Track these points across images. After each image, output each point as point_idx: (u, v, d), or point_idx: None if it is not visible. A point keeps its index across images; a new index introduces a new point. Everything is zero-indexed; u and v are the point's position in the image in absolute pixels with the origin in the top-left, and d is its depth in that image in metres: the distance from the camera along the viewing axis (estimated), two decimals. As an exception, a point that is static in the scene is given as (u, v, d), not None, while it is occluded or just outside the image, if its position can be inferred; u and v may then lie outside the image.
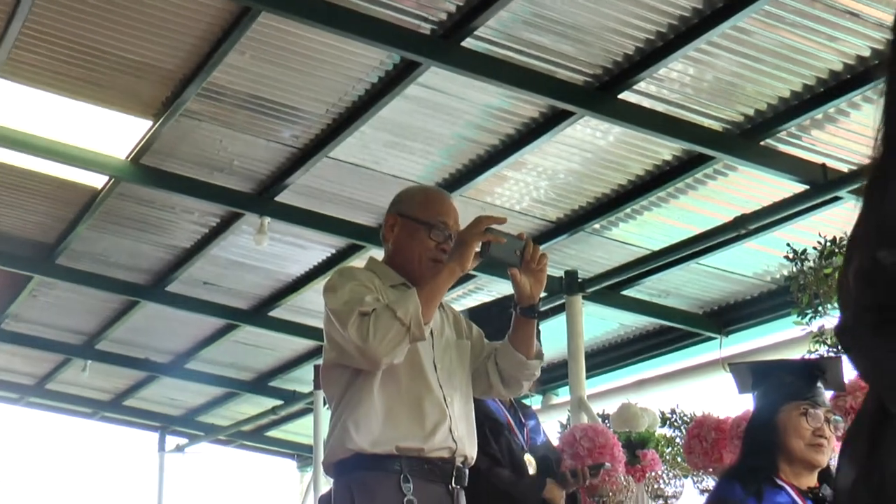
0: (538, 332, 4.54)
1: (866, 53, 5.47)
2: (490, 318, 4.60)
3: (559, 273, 8.18)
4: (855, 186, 6.34)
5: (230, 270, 8.99)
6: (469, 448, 3.35)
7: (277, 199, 7.48)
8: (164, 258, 9.01)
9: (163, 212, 8.17)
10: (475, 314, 4.64)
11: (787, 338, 7.39)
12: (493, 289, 8.75)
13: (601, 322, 9.07)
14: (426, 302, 3.14)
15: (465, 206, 7.36)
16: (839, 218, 6.70)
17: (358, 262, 8.03)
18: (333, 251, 8.36)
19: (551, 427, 7.32)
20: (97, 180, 7.79)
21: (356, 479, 3.18)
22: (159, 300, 9.60)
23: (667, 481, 6.37)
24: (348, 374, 3.26)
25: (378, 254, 3.60)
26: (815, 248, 4.97)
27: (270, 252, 8.26)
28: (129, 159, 7.28)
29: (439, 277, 3.21)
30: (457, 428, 3.30)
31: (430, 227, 3.37)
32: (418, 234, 3.39)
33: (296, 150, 6.99)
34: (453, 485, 3.26)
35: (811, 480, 3.42)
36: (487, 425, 4.28)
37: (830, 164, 6.34)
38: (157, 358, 11.51)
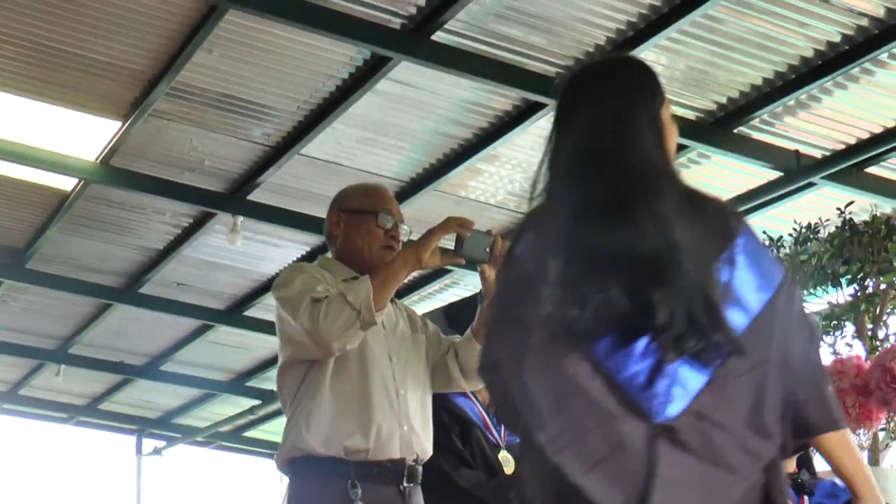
0: None
1: (837, 39, 5.50)
2: (465, 314, 4.60)
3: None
4: (829, 172, 6.40)
5: (204, 271, 8.97)
6: (421, 444, 3.36)
7: (250, 197, 7.46)
8: (137, 260, 8.97)
9: (134, 213, 8.14)
10: (451, 311, 4.64)
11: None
12: (469, 283, 8.76)
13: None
14: (378, 287, 3.15)
15: (439, 201, 7.38)
16: (814, 204, 6.75)
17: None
18: (308, 249, 8.35)
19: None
20: (66, 183, 7.74)
21: (307, 486, 3.20)
22: (132, 302, 9.55)
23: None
24: (302, 371, 3.27)
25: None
26: (790, 235, 5.00)
27: (244, 251, 8.24)
28: (98, 161, 7.24)
29: (394, 264, 3.23)
30: (408, 423, 3.31)
31: (376, 214, 3.41)
32: (365, 224, 3.42)
33: (267, 148, 6.97)
34: (405, 484, 3.26)
35: (789, 466, 3.42)
36: (455, 423, 4.26)
37: (804, 150, 6.38)
38: (131, 361, 11.46)
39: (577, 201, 1.96)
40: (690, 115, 6.18)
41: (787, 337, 1.87)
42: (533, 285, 1.91)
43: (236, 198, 7.48)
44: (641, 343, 1.84)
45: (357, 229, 3.42)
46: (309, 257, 8.35)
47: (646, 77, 2.11)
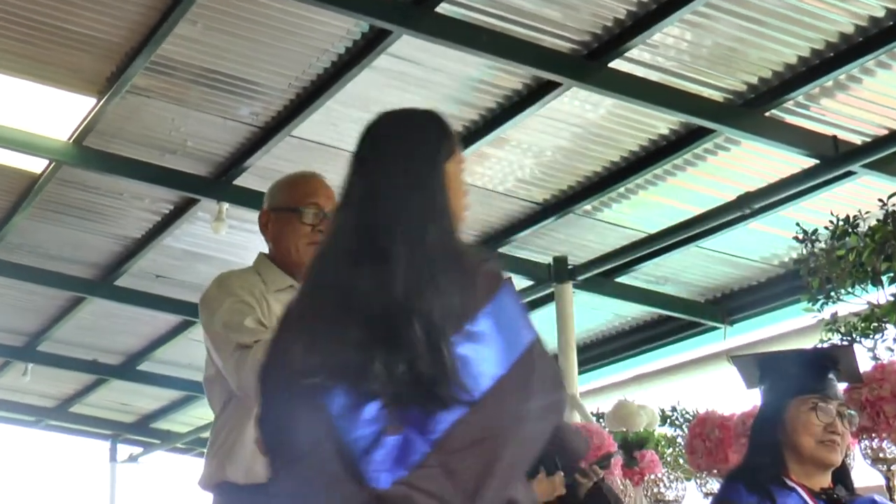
0: None
1: (880, 14, 5.48)
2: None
3: (547, 260, 8.20)
4: (869, 159, 6.38)
5: (185, 262, 8.97)
6: None
7: (236, 182, 7.46)
8: (112, 249, 8.98)
9: (110, 198, 8.14)
10: None
11: (796, 327, 7.43)
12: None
13: (594, 312, 9.09)
14: None
15: (443, 188, 7.36)
16: (852, 194, 6.74)
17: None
18: (299, 239, 8.35)
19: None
20: (36, 165, 7.75)
21: None
22: (107, 296, 9.56)
23: (667, 485, 6.39)
24: (228, 391, 3.27)
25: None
26: (826, 228, 4.98)
27: (229, 241, 8.24)
28: (71, 141, 7.24)
29: None
30: None
31: (300, 212, 3.41)
32: (290, 223, 3.42)
33: (256, 128, 6.97)
34: None
35: (824, 481, 3.42)
36: None
37: (841, 135, 6.36)
38: (106, 359, 11.48)
39: (341, 248, 2.18)
40: (718, 96, 6.17)
41: (526, 409, 2.05)
42: (292, 326, 2.15)
43: (221, 183, 7.48)
44: (372, 406, 2.03)
45: (283, 228, 3.44)
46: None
47: (432, 132, 2.39)
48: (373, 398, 2.02)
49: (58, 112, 6.99)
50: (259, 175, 7.42)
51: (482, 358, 2.07)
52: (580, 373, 8.27)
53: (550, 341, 8.32)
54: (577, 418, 7.54)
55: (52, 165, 7.66)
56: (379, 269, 2.10)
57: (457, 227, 2.29)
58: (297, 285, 3.22)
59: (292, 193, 3.46)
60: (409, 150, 2.34)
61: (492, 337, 2.09)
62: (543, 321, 8.05)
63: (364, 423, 2.01)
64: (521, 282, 7.83)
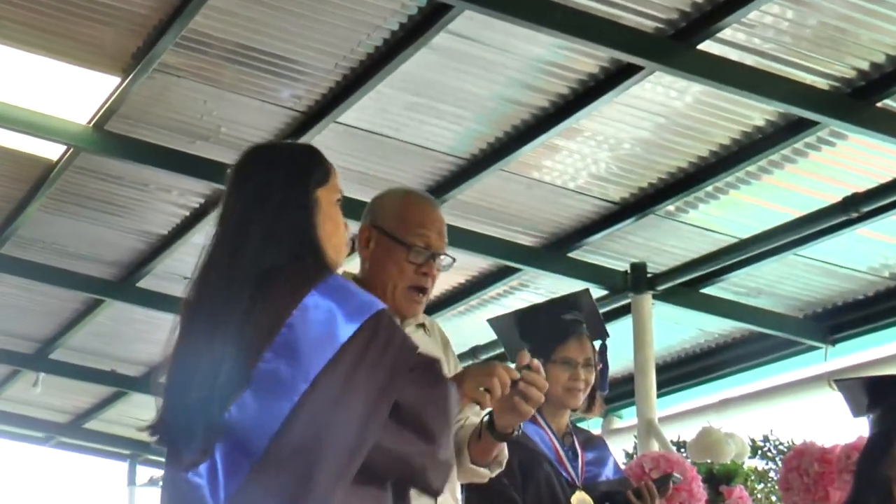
0: (605, 347, 4.54)
1: None
2: (538, 325, 4.60)
3: (623, 267, 8.17)
4: None
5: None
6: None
7: (274, 174, 7.49)
8: (135, 247, 9.05)
9: (133, 190, 8.21)
10: (525, 318, 4.65)
11: (908, 348, 7.36)
12: (542, 286, 8.75)
13: (675, 327, 9.05)
14: None
15: (506, 184, 7.37)
16: (975, 198, 6.66)
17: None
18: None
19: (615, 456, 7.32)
20: (51, 151, 7.82)
21: None
22: (129, 299, 9.64)
23: (758, 525, 6.35)
24: None
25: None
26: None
27: (265, 240, 8.28)
28: (90, 125, 7.30)
29: None
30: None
31: (408, 247, 3.47)
32: (394, 255, 3.49)
33: (297, 113, 7.00)
34: None
35: None
36: (518, 457, 4.26)
37: (965, 130, 6.28)
38: (125, 370, 11.57)
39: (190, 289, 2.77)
40: (823, 83, 6.12)
41: (329, 440, 2.40)
42: None
43: (258, 174, 7.51)
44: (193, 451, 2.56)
45: (386, 258, 3.50)
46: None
47: (292, 160, 2.82)
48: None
49: (76, 92, 7.05)
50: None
51: (267, 402, 2.46)
52: (659, 395, 8.23)
53: (626, 358, 8.30)
54: (654, 447, 7.51)
55: (69, 152, 7.74)
56: (189, 316, 2.71)
57: (313, 248, 2.69)
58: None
59: (405, 223, 3.52)
60: (261, 178, 2.76)
61: (296, 349, 2.49)
62: (618, 336, 8.01)
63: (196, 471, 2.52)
64: (593, 291, 7.80)
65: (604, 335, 4.63)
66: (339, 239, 2.83)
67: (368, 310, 2.57)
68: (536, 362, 3.14)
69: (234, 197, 2.79)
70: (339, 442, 2.42)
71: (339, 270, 3.13)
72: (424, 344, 3.56)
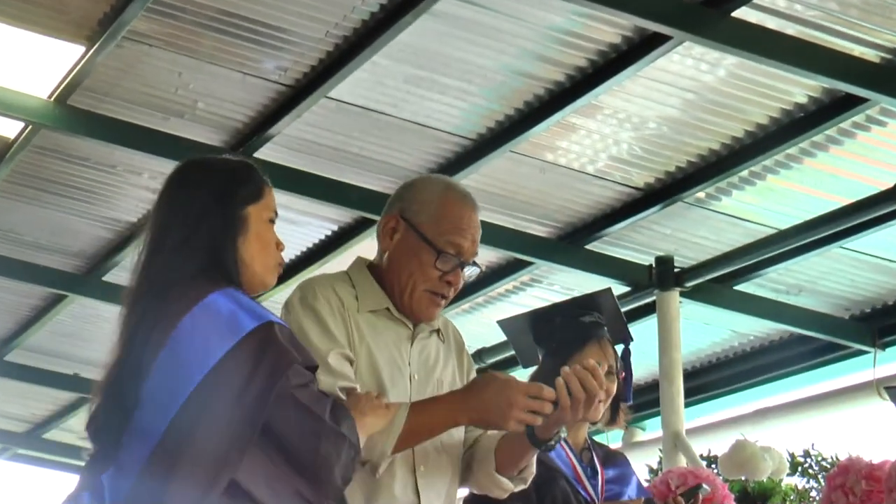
0: (628, 353, 4.55)
1: None
2: (554, 328, 4.60)
3: (648, 260, 8.17)
4: None
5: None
6: None
7: (258, 154, 7.50)
8: (101, 236, 9.06)
9: (99, 172, 8.21)
10: (539, 319, 4.65)
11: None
12: (556, 281, 8.75)
13: (705, 329, 9.06)
14: (404, 440, 3.32)
15: (517, 167, 7.38)
16: None
17: (365, 245, 8.03)
18: (335, 228, 8.37)
19: (637, 472, 7.34)
20: (7, 128, 7.82)
21: None
22: (94, 294, 9.64)
23: (797, 550, 6.36)
24: None
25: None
26: None
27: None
28: (52, 99, 7.30)
29: (436, 414, 3.36)
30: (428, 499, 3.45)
31: (438, 252, 3.50)
32: (421, 255, 3.52)
33: (283, 87, 7.00)
34: None
35: None
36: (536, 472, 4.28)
37: None
38: (90, 374, 11.56)
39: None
40: (873, 55, 6.11)
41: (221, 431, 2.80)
42: None
43: (241, 155, 7.51)
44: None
45: (411, 256, 3.53)
46: (337, 240, 8.38)
47: (221, 175, 3.16)
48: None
49: (36, 63, 7.05)
50: (287, 146, 7.45)
51: (159, 393, 2.87)
52: (687, 405, 8.23)
53: (649, 363, 8.30)
54: (682, 462, 7.51)
55: (27, 130, 7.73)
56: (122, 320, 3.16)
57: (222, 265, 3.01)
58: (395, 312, 3.48)
59: (439, 220, 3.55)
60: (192, 191, 3.11)
61: (176, 362, 2.88)
62: (641, 338, 8.02)
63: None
64: (613, 287, 7.80)
65: (627, 339, 4.63)
66: (267, 258, 3.12)
67: (250, 324, 2.89)
68: (592, 362, 3.33)
69: (160, 206, 3.15)
70: (205, 452, 2.80)
71: (269, 287, 3.24)
72: (436, 353, 3.61)
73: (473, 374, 3.70)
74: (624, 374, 4.59)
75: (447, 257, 3.49)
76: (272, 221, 3.15)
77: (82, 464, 3.13)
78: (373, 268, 3.58)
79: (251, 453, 2.81)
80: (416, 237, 3.51)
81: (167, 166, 7.76)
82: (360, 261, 3.63)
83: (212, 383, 2.83)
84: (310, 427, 2.85)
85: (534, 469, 3.65)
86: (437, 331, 3.62)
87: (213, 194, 3.09)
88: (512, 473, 3.57)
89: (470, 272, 3.59)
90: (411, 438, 3.32)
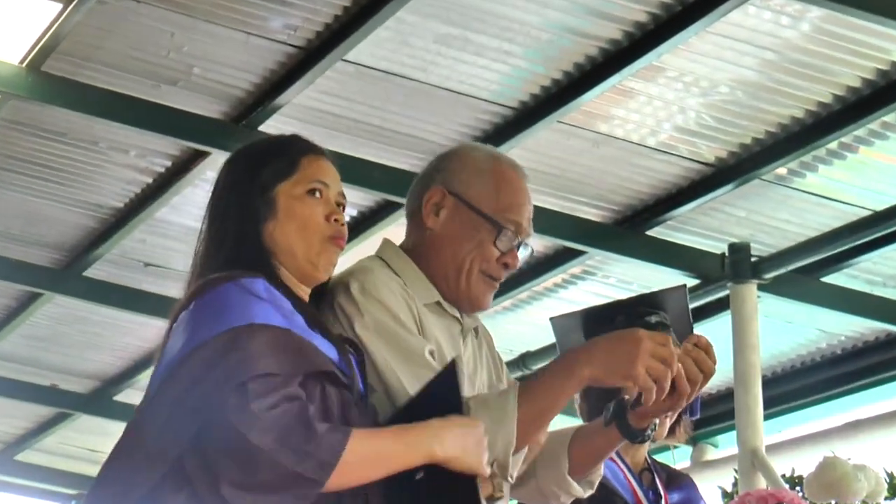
0: None
1: None
2: (614, 329, 4.60)
3: (720, 248, 8.16)
4: None
5: (188, 244, 9.03)
6: None
7: (264, 127, 7.51)
8: (82, 225, 9.09)
9: (79, 150, 8.23)
10: (591, 319, 4.66)
11: None
12: (611, 273, 8.75)
13: (788, 328, 9.06)
14: (526, 422, 3.27)
15: (565, 140, 7.39)
16: None
17: (390, 231, 8.04)
18: (355, 213, 8.38)
19: (709, 496, 7.35)
20: (-26, 100, 7.85)
21: None
22: (74, 292, 9.68)
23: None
24: None
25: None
26: None
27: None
28: (24, 65, 7.32)
29: (554, 383, 3.32)
30: None
31: (500, 228, 3.50)
32: (478, 233, 3.52)
33: (293, 49, 7.01)
34: None
35: None
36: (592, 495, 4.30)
37: None
38: (69, 385, 11.61)
39: None
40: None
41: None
42: None
43: (243, 129, 7.53)
44: None
45: (465, 234, 3.52)
46: (355, 226, 8.39)
47: (252, 156, 3.31)
48: None
49: (5, 25, 7.06)
50: (297, 117, 7.46)
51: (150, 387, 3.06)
52: (767, 416, 8.21)
53: (723, 368, 8.29)
54: (761, 483, 7.51)
55: (-4, 100, 7.77)
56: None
57: (248, 257, 3.14)
58: (446, 305, 3.49)
59: (500, 195, 3.57)
60: (223, 180, 3.28)
61: (162, 357, 3.09)
62: (712, 339, 8.02)
63: None
64: (681, 280, 7.80)
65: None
66: (308, 237, 3.19)
67: (223, 326, 2.98)
68: (705, 339, 3.40)
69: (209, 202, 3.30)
70: (139, 445, 2.98)
71: (328, 269, 3.24)
72: (474, 354, 3.62)
73: (506, 379, 3.72)
74: None
75: (507, 234, 3.50)
76: (313, 193, 3.24)
77: (60, 490, 3.22)
78: (406, 251, 3.57)
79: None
80: (471, 213, 3.52)
81: (157, 142, 7.89)
82: (391, 245, 3.61)
83: (167, 378, 2.98)
84: (244, 451, 2.86)
85: (602, 472, 3.69)
86: (474, 329, 3.63)
87: (233, 181, 3.25)
88: (584, 476, 3.60)
89: (524, 254, 3.59)
90: (533, 417, 3.29)
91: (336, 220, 3.21)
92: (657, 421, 3.55)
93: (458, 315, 3.53)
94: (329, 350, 3.07)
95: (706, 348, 3.38)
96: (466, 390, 3.43)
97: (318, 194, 3.22)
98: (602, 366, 3.27)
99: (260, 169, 3.23)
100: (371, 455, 2.95)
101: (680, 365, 3.31)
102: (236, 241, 3.16)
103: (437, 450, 3.04)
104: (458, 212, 3.53)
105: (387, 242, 3.62)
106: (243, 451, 2.83)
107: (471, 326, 3.60)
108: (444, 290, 3.51)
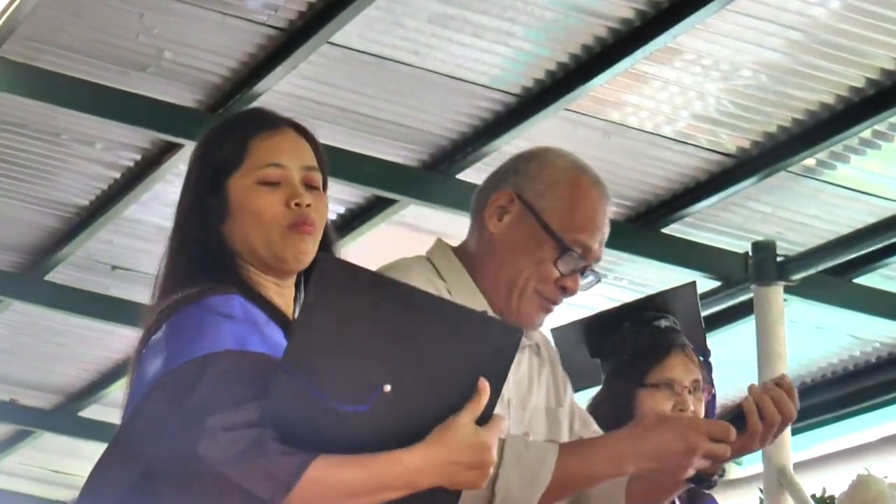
0: (709, 367, 4.56)
1: None
2: (622, 336, 4.59)
3: (742, 247, 8.16)
4: None
5: (159, 245, 9.02)
6: None
7: (242, 118, 7.50)
8: (44, 224, 9.08)
9: (40, 142, 8.23)
10: (594, 327, 4.65)
11: None
12: (624, 274, 8.75)
13: (818, 334, 9.06)
14: (552, 493, 3.28)
15: (573, 129, 7.40)
16: None
17: (381, 230, 8.04)
18: (342, 210, 8.37)
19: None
20: (-76, 88, 7.85)
21: None
22: (34, 298, 9.69)
23: None
24: None
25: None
26: None
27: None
28: (-21, 50, 7.33)
29: (597, 465, 3.32)
30: None
31: (564, 249, 3.46)
32: (540, 250, 3.48)
33: (273, 31, 7.00)
34: None
35: None
36: None
37: None
38: (30, 401, 11.61)
39: None
40: None
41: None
42: None
43: (220, 118, 7.52)
44: None
45: (525, 247, 3.49)
46: (344, 224, 8.38)
47: (199, 148, 3.21)
48: None
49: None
50: (278, 105, 7.32)
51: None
52: (795, 431, 8.22)
53: (746, 378, 8.29)
54: (789, 503, 7.51)
55: (-52, 89, 7.77)
56: None
57: (228, 258, 3.10)
58: (491, 314, 3.38)
59: (571, 210, 3.53)
60: (185, 176, 3.19)
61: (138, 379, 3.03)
62: (735, 346, 8.02)
63: None
64: (700, 283, 7.81)
65: (705, 349, 4.64)
66: (265, 230, 3.07)
67: (173, 363, 2.92)
68: (788, 380, 3.32)
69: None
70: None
71: (300, 259, 3.12)
72: (530, 372, 3.59)
73: (570, 399, 3.70)
74: (708, 391, 4.60)
75: (572, 257, 3.47)
76: (265, 183, 3.09)
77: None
78: (457, 254, 3.57)
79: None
80: (537, 225, 3.48)
81: (125, 133, 7.88)
82: (443, 246, 3.60)
83: (139, 406, 2.95)
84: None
85: None
86: (534, 345, 3.60)
87: (188, 177, 3.18)
88: None
89: (587, 281, 3.56)
90: (560, 492, 3.31)
91: (297, 205, 3.06)
92: (725, 466, 3.53)
93: None
94: None
95: (788, 389, 3.30)
96: (515, 412, 3.47)
97: (267, 184, 3.08)
98: (652, 464, 3.27)
99: (209, 161, 3.16)
100: (334, 484, 2.84)
101: (769, 409, 3.29)
102: (196, 247, 3.12)
103: (421, 484, 2.92)
104: (523, 221, 3.50)
105: (440, 243, 3.61)
106: (205, 475, 2.80)
107: (527, 344, 3.55)
108: (493, 301, 3.49)
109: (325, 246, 3.11)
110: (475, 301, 3.45)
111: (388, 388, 2.72)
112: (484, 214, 3.55)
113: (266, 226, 3.06)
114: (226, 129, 3.23)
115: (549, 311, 3.53)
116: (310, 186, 3.10)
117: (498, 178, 3.59)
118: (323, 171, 3.15)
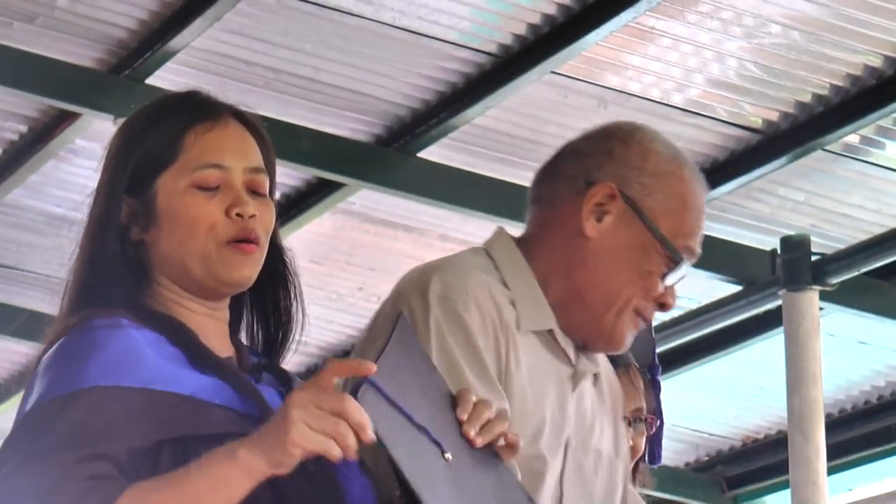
0: (658, 385, 4.56)
1: None
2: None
3: (770, 243, 8.18)
4: None
5: (50, 236, 9.03)
6: None
7: (153, 80, 7.51)
8: None
9: None
10: None
11: None
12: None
13: (860, 351, 9.11)
14: None
15: (564, 97, 7.41)
16: None
17: (325, 219, 8.04)
18: (277, 195, 8.35)
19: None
20: None
21: None
22: None
23: None
24: None
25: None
26: None
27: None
28: None
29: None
30: None
31: (678, 259, 3.45)
32: (647, 260, 3.47)
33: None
34: None
35: None
36: None
37: None
38: None
39: None
40: None
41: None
42: None
43: (124, 82, 7.53)
44: None
45: (629, 257, 3.47)
46: (280, 212, 8.35)
47: (115, 141, 3.13)
48: None
49: None
50: (196, 66, 7.46)
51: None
52: (831, 470, 8.23)
53: (773, 403, 8.31)
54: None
55: None
56: None
57: (135, 274, 3.05)
58: (559, 337, 3.41)
59: (683, 211, 3.50)
60: (102, 163, 3.14)
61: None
62: (758, 364, 8.06)
63: None
64: (718, 286, 7.81)
65: (654, 364, 4.61)
66: (200, 244, 3.00)
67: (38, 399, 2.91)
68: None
69: None
70: None
71: (241, 282, 3.13)
72: (592, 407, 3.56)
73: (625, 450, 3.71)
74: (658, 420, 4.59)
75: (681, 268, 3.47)
76: (202, 188, 3.00)
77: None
78: (524, 253, 3.51)
79: None
80: (645, 231, 3.46)
81: (9, 100, 7.89)
82: (507, 239, 3.55)
83: (8, 439, 2.92)
84: None
85: None
86: (596, 374, 3.58)
87: (105, 166, 3.11)
88: None
89: (678, 276, 3.53)
90: None
91: (239, 215, 2.99)
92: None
93: (571, 353, 3.44)
94: (217, 393, 2.91)
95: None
96: (573, 455, 3.46)
97: (211, 184, 3.01)
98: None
99: (132, 154, 3.06)
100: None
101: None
102: (101, 255, 3.07)
103: (259, 466, 2.79)
104: (627, 224, 3.47)
105: (502, 235, 3.56)
106: None
107: (588, 371, 3.51)
108: (571, 317, 3.46)
109: (273, 248, 3.09)
110: (543, 316, 3.43)
111: (448, 455, 2.72)
112: (573, 211, 3.48)
113: (201, 239, 2.99)
114: (154, 114, 3.11)
115: (637, 328, 3.52)
116: (254, 192, 3.04)
117: (588, 163, 3.51)
118: (271, 173, 3.11)
